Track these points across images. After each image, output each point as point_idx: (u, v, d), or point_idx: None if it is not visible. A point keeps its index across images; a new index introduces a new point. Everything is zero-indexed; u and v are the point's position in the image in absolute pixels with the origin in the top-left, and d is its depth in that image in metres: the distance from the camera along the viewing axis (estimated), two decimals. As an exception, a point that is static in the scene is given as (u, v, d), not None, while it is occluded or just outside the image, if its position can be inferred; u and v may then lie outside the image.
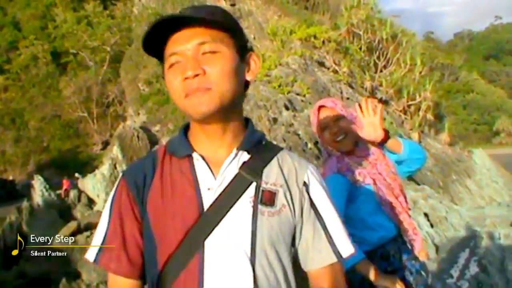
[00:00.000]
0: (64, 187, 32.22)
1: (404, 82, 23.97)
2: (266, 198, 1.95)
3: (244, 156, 2.02)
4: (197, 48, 1.89)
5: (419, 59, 25.50)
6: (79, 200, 31.18)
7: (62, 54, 33.56)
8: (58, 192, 31.73)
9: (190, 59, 1.88)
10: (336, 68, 22.00)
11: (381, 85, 23.94)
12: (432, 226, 11.48)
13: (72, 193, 31.34)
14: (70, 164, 31.31)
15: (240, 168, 1.99)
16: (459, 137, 39.60)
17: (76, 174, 32.22)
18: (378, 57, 24.94)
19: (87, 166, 32.55)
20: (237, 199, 1.93)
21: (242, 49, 1.98)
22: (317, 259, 2.03)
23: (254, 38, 32.22)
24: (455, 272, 8.94)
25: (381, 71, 24.67)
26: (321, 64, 22.33)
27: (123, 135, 28.27)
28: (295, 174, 2.05)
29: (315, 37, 23.30)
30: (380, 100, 23.04)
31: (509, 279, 8.91)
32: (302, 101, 18.10)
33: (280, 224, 1.94)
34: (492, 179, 23.41)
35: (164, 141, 28.08)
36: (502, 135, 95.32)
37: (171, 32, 1.91)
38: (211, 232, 1.89)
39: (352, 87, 21.85)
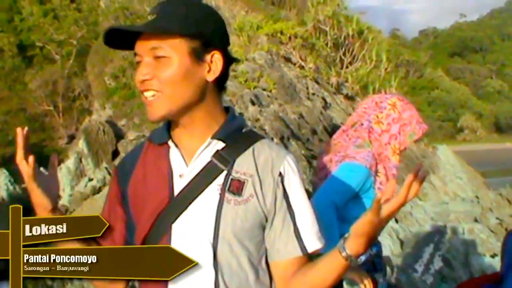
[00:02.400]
0: (29, 180, 31.80)
1: (370, 79, 24.11)
2: (234, 187, 2.00)
3: (219, 145, 2.05)
4: (150, 53, 1.96)
5: (385, 55, 25.74)
6: (44, 194, 30.71)
7: (28, 47, 33.05)
8: (23, 185, 31.21)
9: (143, 63, 1.98)
10: (303, 64, 21.99)
11: (347, 81, 24.06)
12: (397, 221, 11.53)
13: (37, 187, 30.87)
14: (36, 158, 30.89)
15: (213, 156, 2.03)
16: (423, 133, 39.79)
17: (41, 169, 31.80)
18: (344, 53, 24.93)
19: (52, 160, 31.96)
20: (206, 186, 1.99)
21: (198, 51, 1.99)
22: (282, 251, 2.04)
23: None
24: (419, 267, 8.98)
25: (347, 67, 24.73)
26: (288, 59, 22.27)
27: (89, 129, 27.93)
28: (271, 164, 2.06)
29: (281, 32, 23.13)
30: (346, 96, 23.21)
31: (472, 273, 8.99)
32: (268, 96, 17.98)
33: (246, 213, 1.98)
34: (456, 175, 23.73)
35: (130, 135, 27.84)
36: (466, 131, 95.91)
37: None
38: (178, 217, 1.97)
39: (318, 83, 21.84)
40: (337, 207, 3.54)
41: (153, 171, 2.08)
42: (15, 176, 31.70)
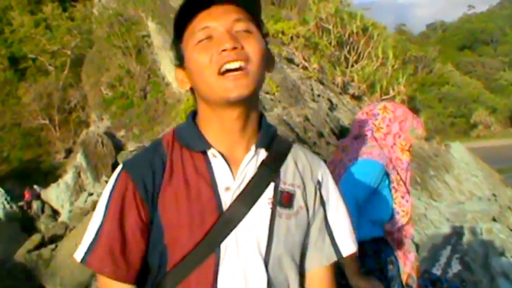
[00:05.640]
0: (25, 198, 31.71)
1: (376, 77, 24.07)
2: (284, 200, 1.93)
3: (262, 154, 1.97)
4: (232, 25, 1.82)
5: (391, 52, 25.75)
6: (42, 211, 31.16)
7: (20, 60, 34.01)
8: (20, 204, 31.38)
9: (225, 33, 1.80)
10: (306, 64, 22.08)
11: (353, 80, 24.04)
12: (411, 223, 11.37)
13: (35, 204, 31.11)
14: (32, 174, 31.43)
15: (259, 167, 1.94)
16: (435, 131, 39.91)
17: (35, 186, 31.90)
18: (349, 52, 25.17)
19: (50, 175, 32.71)
20: (256, 201, 1.89)
21: (265, 37, 1.91)
22: (318, 258, 2.04)
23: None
24: (437, 271, 8.94)
25: (352, 66, 24.84)
26: (290, 60, 22.40)
27: (87, 142, 28.59)
28: (310, 172, 2.04)
29: (283, 33, 23.38)
30: (353, 96, 22.76)
31: (493, 276, 8.90)
32: (271, 100, 18.19)
33: (297, 226, 1.94)
34: (472, 173, 23.69)
35: (130, 146, 28.36)
36: (480, 127, 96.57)
37: (200, 8, 1.84)
38: (228, 235, 1.85)
39: (323, 84, 21.93)
40: (359, 204, 3.68)
41: (194, 185, 1.87)
42: (11, 194, 31.69)
